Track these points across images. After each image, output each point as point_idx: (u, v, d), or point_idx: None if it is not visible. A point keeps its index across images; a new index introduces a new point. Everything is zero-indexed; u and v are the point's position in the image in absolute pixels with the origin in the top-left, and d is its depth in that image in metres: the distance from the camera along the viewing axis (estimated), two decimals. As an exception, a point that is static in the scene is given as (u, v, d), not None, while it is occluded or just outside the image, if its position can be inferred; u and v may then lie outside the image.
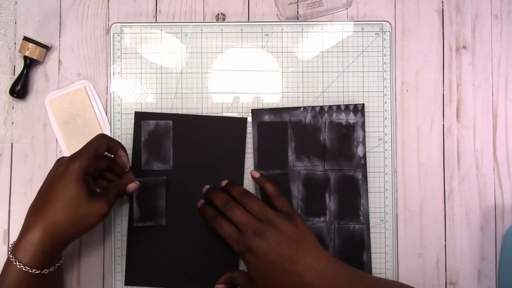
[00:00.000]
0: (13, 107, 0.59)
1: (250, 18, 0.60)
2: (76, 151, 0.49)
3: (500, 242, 0.58)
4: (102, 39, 0.59)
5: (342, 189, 0.57)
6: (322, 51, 0.59)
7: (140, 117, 0.58)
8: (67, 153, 0.57)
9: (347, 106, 0.58)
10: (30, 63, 0.57)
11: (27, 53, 0.57)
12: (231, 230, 0.50)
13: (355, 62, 0.58)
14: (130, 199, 0.57)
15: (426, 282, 0.58)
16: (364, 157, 0.57)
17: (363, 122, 0.57)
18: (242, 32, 0.59)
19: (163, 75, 0.59)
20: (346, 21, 0.59)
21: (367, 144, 0.58)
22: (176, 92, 0.58)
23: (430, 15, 0.60)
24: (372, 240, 0.57)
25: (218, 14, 0.60)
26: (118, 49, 0.58)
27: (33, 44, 0.56)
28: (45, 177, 0.50)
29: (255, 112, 0.58)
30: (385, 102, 0.58)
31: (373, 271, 0.57)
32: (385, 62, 0.58)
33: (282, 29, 0.59)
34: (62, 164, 0.48)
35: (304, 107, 0.58)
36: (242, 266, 0.56)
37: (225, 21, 0.59)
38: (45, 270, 0.47)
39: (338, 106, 0.58)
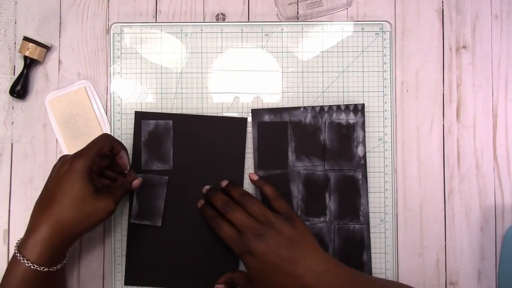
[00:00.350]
0: (13, 107, 0.59)
1: (250, 18, 0.60)
2: (78, 150, 0.49)
3: (500, 242, 0.58)
4: (102, 39, 0.59)
5: (342, 189, 0.57)
6: (322, 51, 0.59)
7: (140, 117, 0.58)
8: (67, 153, 0.57)
9: (347, 106, 0.58)
10: (30, 63, 0.58)
11: (27, 53, 0.57)
12: (230, 231, 0.50)
13: (355, 62, 0.58)
14: (130, 195, 0.57)
15: (426, 282, 0.58)
16: (364, 157, 0.57)
17: (363, 122, 0.57)
18: (242, 32, 0.59)
19: (163, 75, 0.59)
20: (346, 21, 0.59)
21: (367, 144, 0.58)
22: (176, 92, 0.58)
23: (430, 15, 0.60)
24: (372, 240, 0.57)
25: (218, 14, 0.60)
26: (118, 49, 0.58)
27: (33, 44, 0.56)
28: (45, 176, 0.50)
29: (255, 112, 0.58)
30: (385, 102, 0.58)
31: (373, 271, 0.57)
32: (385, 62, 0.58)
33: (282, 29, 0.59)
34: (67, 162, 0.48)
35: (304, 107, 0.58)
36: (242, 267, 0.56)
37: (225, 21, 0.59)
38: (53, 267, 0.47)
39: (338, 106, 0.58)
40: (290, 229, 0.49)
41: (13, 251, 0.47)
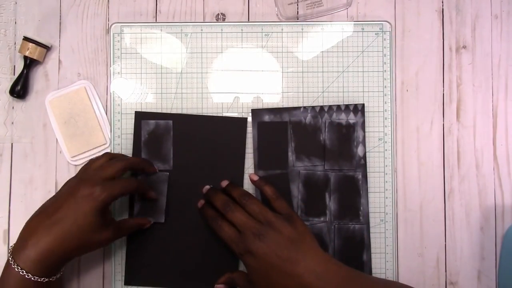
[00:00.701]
0: (13, 107, 0.59)
1: (250, 18, 0.60)
2: (105, 174, 0.49)
3: (500, 242, 0.58)
4: (102, 39, 0.59)
5: (342, 189, 0.57)
6: (322, 51, 0.59)
7: (140, 117, 0.58)
8: (67, 153, 0.57)
9: (347, 106, 0.58)
10: (30, 63, 0.57)
11: (27, 53, 0.57)
12: (231, 231, 0.50)
13: (355, 62, 0.58)
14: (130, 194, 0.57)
15: (426, 282, 0.58)
16: (364, 157, 0.57)
17: (363, 122, 0.57)
18: (242, 32, 0.59)
19: (163, 75, 0.59)
20: (346, 21, 0.59)
21: (367, 144, 0.58)
22: (176, 92, 0.58)
23: (430, 15, 0.60)
24: (372, 240, 0.57)
25: (218, 14, 0.60)
26: (118, 49, 0.58)
27: (33, 44, 0.56)
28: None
29: (255, 112, 0.58)
30: (385, 102, 0.58)
31: (373, 271, 0.57)
32: (385, 62, 0.58)
33: (282, 29, 0.59)
34: (88, 187, 0.47)
35: (304, 107, 0.58)
36: (242, 267, 0.56)
37: (225, 21, 0.59)
38: (48, 278, 0.47)
39: (338, 106, 0.58)
40: (290, 229, 0.49)
41: (7, 256, 0.47)
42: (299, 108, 0.58)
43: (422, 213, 0.58)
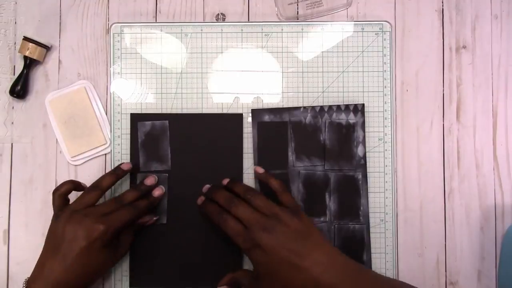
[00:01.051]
0: (13, 107, 0.59)
1: (250, 18, 0.60)
2: (105, 208, 0.50)
3: (500, 242, 0.58)
4: (102, 39, 0.59)
5: (342, 189, 0.57)
6: (322, 51, 0.59)
7: (136, 119, 0.58)
8: (67, 153, 0.57)
9: (347, 106, 0.58)
10: (30, 63, 0.58)
11: (27, 53, 0.57)
12: (236, 226, 0.49)
13: (355, 62, 0.58)
14: None
15: (426, 282, 0.57)
16: (364, 157, 0.57)
17: (363, 122, 0.57)
18: (242, 32, 0.59)
19: (163, 75, 0.59)
20: (346, 21, 0.59)
21: (367, 144, 0.58)
22: (176, 92, 0.58)
23: (430, 15, 0.60)
24: (372, 240, 0.57)
25: (218, 14, 0.60)
26: (118, 49, 0.58)
27: (33, 44, 0.56)
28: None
29: (255, 112, 0.58)
30: (385, 102, 0.58)
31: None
32: (385, 62, 0.58)
33: (282, 29, 0.59)
34: (94, 222, 0.49)
35: (304, 107, 0.58)
36: (246, 265, 0.56)
37: (225, 21, 0.59)
38: None
39: (338, 106, 0.58)
40: (297, 222, 0.48)
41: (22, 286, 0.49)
42: (299, 108, 0.58)
43: (422, 213, 0.58)
